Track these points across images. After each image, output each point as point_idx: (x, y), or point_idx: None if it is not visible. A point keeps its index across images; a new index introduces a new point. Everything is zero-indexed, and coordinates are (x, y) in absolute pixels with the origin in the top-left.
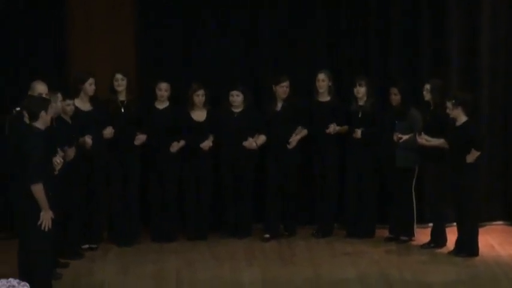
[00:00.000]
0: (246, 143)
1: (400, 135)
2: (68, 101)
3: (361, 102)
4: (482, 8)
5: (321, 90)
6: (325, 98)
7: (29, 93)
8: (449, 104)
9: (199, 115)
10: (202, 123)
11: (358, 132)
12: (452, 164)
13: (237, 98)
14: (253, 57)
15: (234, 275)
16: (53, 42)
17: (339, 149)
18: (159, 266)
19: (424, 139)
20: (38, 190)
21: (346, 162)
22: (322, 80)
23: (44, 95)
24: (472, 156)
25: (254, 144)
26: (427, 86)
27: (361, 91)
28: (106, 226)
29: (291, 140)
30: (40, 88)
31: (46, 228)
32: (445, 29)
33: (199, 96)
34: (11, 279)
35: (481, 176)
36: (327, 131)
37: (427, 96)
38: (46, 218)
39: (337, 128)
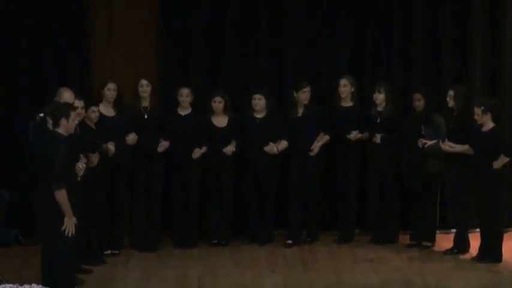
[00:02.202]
0: (267, 148)
1: (424, 141)
2: (93, 108)
3: (380, 108)
4: (506, 14)
5: (342, 96)
6: (347, 103)
7: (55, 99)
8: (478, 110)
9: (220, 121)
10: (223, 129)
11: (378, 138)
12: (478, 170)
13: (259, 102)
14: (276, 64)
15: (256, 282)
16: (77, 49)
17: (360, 155)
18: (181, 272)
19: (448, 145)
20: (62, 196)
21: (367, 168)
22: (344, 86)
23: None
24: (501, 162)
25: (275, 149)
26: (451, 92)
27: (379, 97)
28: (128, 232)
29: (312, 147)
30: (66, 95)
31: (70, 234)
32: (468, 36)
33: (216, 103)
34: (34, 285)
35: (505, 181)
36: (348, 136)
37: (450, 102)
38: (70, 224)
39: (359, 135)
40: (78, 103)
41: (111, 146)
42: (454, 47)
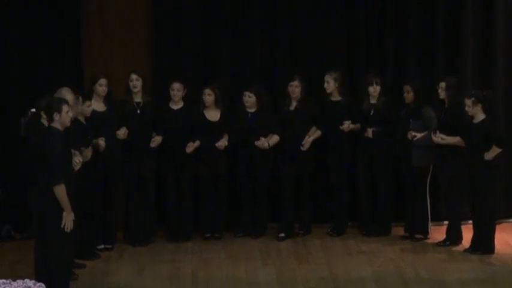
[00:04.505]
0: (258, 143)
1: (414, 134)
2: (88, 102)
3: (373, 101)
4: (497, 5)
5: (328, 91)
6: (336, 98)
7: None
8: (468, 102)
9: (213, 115)
10: (216, 123)
11: (370, 132)
12: (470, 161)
13: (249, 99)
14: (269, 57)
15: (250, 275)
16: (69, 43)
17: (352, 148)
18: (174, 266)
19: (440, 137)
20: (61, 191)
21: (359, 160)
22: (327, 82)
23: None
24: (492, 153)
25: (266, 144)
26: (442, 84)
27: (377, 89)
28: (121, 226)
29: (304, 142)
30: (67, 96)
31: (69, 230)
32: (460, 28)
33: (206, 95)
34: (26, 280)
35: (497, 172)
36: (341, 127)
37: (442, 94)
38: (68, 220)
39: (352, 125)
40: (73, 101)
41: (101, 142)
42: (446, 39)
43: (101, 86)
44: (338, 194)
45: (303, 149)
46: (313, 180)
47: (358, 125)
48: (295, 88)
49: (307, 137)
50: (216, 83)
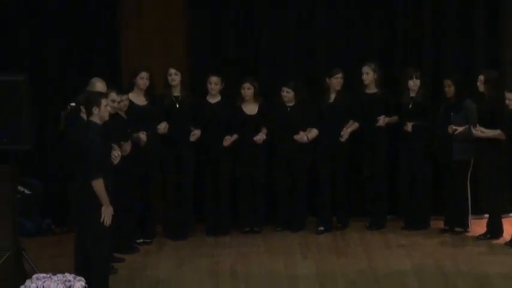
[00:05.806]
0: (297, 137)
1: (455, 127)
2: (125, 96)
3: (412, 94)
4: None
5: (365, 83)
6: (371, 90)
7: (87, 89)
8: (509, 95)
9: (251, 109)
10: (253, 116)
11: (409, 126)
12: (510, 154)
13: (287, 95)
14: (306, 50)
15: (289, 268)
16: (108, 41)
17: (388, 141)
18: (213, 260)
19: (480, 130)
20: (99, 185)
21: (398, 154)
22: (366, 73)
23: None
24: None
25: (305, 138)
26: (481, 77)
27: (417, 83)
28: (160, 220)
29: (342, 133)
30: (99, 86)
31: (107, 224)
32: (500, 20)
33: (245, 89)
34: (66, 274)
35: None
36: (377, 124)
37: (481, 87)
38: (107, 214)
39: (387, 119)
40: (116, 97)
41: (142, 135)
42: (486, 31)
43: (142, 79)
44: (373, 188)
45: (342, 140)
46: (352, 173)
47: (395, 117)
48: (340, 80)
49: (345, 128)
50: (252, 77)
